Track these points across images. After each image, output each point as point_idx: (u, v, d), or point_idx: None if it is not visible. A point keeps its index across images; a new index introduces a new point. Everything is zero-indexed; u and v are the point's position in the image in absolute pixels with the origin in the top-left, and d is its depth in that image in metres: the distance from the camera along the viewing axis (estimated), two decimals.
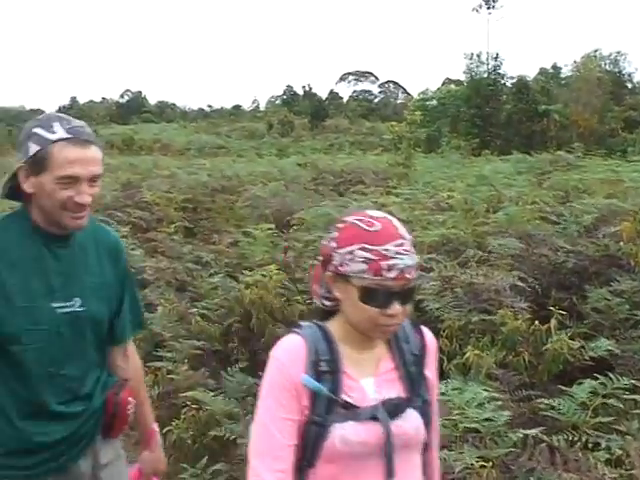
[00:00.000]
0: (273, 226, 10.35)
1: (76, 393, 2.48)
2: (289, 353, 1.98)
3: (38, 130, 2.33)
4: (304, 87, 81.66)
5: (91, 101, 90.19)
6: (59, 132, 2.31)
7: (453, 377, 4.80)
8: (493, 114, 46.64)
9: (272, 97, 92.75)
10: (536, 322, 5.69)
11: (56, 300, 2.38)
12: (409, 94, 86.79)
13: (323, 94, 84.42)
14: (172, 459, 5.29)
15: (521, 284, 6.45)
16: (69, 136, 2.31)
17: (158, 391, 6.09)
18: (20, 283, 2.33)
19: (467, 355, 5.30)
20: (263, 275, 7.33)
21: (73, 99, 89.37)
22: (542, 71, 61.89)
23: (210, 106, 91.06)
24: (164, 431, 5.69)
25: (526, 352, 5.43)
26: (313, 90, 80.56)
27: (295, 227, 10.81)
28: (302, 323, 2.08)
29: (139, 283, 8.41)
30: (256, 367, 6.12)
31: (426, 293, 6.24)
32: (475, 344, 5.53)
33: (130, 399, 2.63)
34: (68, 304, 2.40)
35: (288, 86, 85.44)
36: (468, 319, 5.85)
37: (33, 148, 2.31)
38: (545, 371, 5.42)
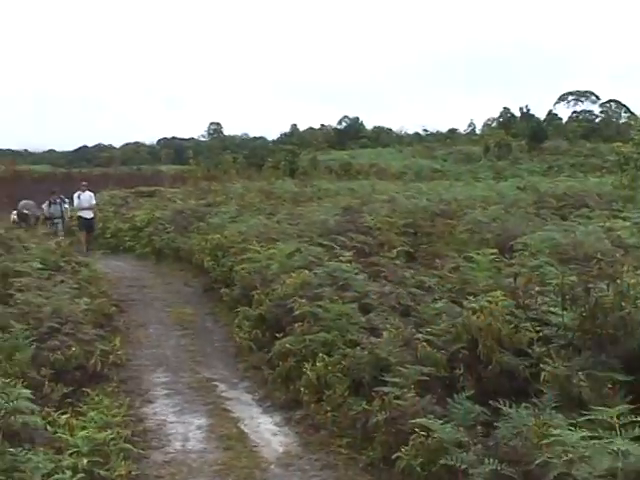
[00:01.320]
0: (496, 251, 10.16)
1: None
2: None
3: None
4: (521, 109, 79.82)
5: (310, 128, 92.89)
6: None
7: None
8: None
9: (489, 119, 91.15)
10: None
11: None
12: (632, 113, 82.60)
13: (541, 115, 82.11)
14: None
15: None
16: None
17: (385, 416, 6.13)
18: None
19: None
20: (489, 301, 7.18)
21: (294, 126, 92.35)
22: None
23: (425, 130, 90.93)
24: (393, 457, 5.72)
25: None
26: (531, 111, 78.62)
27: (519, 252, 10.52)
28: None
29: (363, 308, 8.53)
30: (483, 395, 6.02)
31: None
32: None
33: None
34: None
35: (505, 108, 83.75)
36: None
37: None
38: None
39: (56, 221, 21.00)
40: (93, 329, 9.36)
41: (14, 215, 22.09)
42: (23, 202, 22.25)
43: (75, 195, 20.86)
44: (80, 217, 20.77)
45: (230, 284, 12.35)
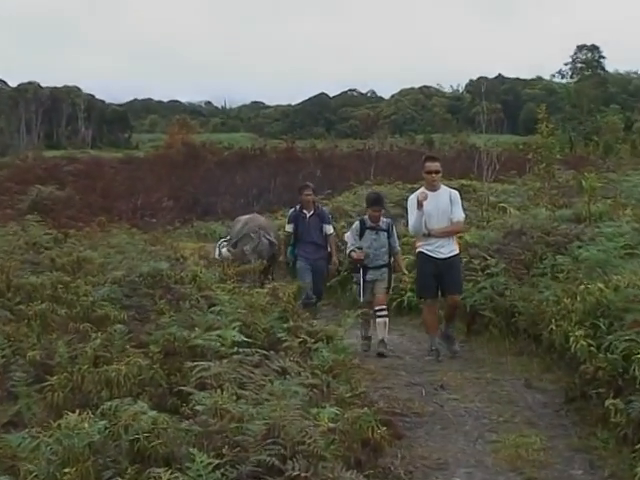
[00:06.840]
0: None
1: None
2: None
3: None
4: None
5: None
6: None
7: None
8: None
9: None
10: None
11: None
12: None
13: None
14: None
15: None
16: None
17: None
18: None
19: None
20: None
21: None
22: None
23: None
24: None
25: None
26: None
27: None
28: None
29: None
30: None
31: None
32: None
33: None
34: None
35: None
36: None
37: None
38: None
39: (371, 277, 18.77)
40: (345, 472, 9.41)
41: (221, 247, 22.49)
42: (244, 219, 22.54)
43: (410, 198, 17.84)
44: (422, 255, 17.74)
45: (625, 389, 12.09)
